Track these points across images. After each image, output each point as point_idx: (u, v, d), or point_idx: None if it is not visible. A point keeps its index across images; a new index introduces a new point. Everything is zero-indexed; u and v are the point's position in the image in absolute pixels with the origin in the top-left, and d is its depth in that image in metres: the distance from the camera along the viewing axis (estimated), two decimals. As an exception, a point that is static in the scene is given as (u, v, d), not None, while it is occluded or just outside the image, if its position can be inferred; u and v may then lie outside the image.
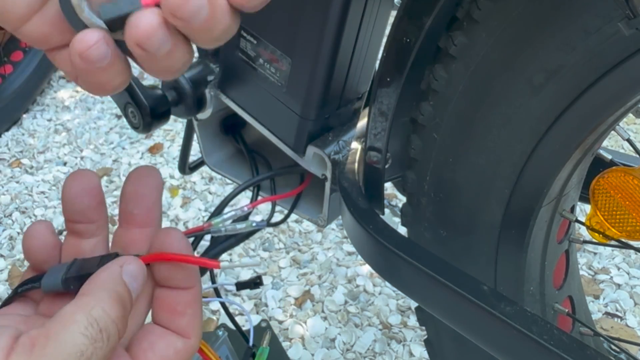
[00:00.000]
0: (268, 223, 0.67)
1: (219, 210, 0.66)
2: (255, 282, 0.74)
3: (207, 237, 0.65)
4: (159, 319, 0.35)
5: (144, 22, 0.26)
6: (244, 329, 0.76)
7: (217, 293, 0.77)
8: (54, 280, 0.34)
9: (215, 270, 1.30)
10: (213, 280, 0.76)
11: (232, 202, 0.71)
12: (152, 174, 0.37)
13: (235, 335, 0.78)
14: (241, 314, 1.18)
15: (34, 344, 0.27)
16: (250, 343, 0.72)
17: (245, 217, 0.67)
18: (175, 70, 0.29)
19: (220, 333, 0.75)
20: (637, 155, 0.59)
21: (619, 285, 1.27)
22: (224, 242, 0.70)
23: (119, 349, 0.33)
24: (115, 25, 0.28)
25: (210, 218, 0.64)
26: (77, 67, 0.28)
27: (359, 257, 1.12)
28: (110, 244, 0.38)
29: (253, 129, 0.69)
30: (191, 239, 0.66)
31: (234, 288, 1.25)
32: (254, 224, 0.61)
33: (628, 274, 1.30)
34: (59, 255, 0.37)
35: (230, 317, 0.76)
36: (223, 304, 0.77)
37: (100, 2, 0.28)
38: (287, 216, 0.71)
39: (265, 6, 0.28)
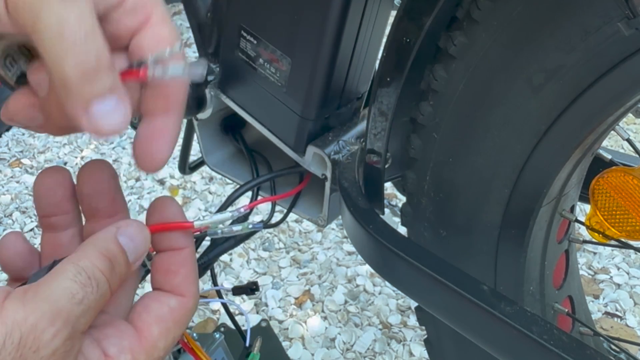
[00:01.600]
0: (265, 224, 0.67)
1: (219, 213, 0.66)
2: (251, 288, 0.75)
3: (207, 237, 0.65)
4: (154, 282, 0.36)
5: (11, 103, 0.33)
6: (243, 328, 0.76)
7: (219, 294, 0.77)
8: None
9: (215, 270, 1.30)
10: (215, 283, 0.76)
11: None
12: (103, 168, 0.37)
13: (235, 336, 0.78)
14: (241, 314, 1.18)
15: (26, 292, 0.29)
16: (247, 343, 0.72)
17: (243, 218, 0.67)
18: (56, 134, 0.35)
19: (217, 335, 0.75)
20: (637, 155, 0.59)
21: (618, 285, 1.27)
22: (223, 244, 0.70)
23: (118, 320, 0.33)
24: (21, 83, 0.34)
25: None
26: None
27: (359, 257, 1.12)
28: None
29: (253, 129, 0.69)
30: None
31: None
32: (250, 226, 0.61)
33: (628, 273, 1.30)
34: (37, 261, 0.37)
35: (231, 317, 0.76)
36: (225, 306, 0.77)
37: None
38: (285, 216, 0.71)
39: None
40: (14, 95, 0.33)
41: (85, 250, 0.31)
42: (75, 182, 0.37)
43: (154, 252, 0.37)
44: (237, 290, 0.76)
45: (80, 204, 0.37)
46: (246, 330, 0.73)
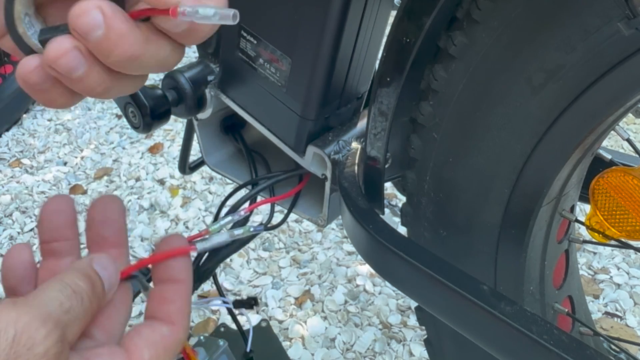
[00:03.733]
0: (266, 227, 0.68)
1: (217, 218, 0.66)
2: (250, 303, 0.76)
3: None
4: (148, 311, 0.37)
5: (54, 46, 0.30)
6: (243, 328, 0.76)
7: (220, 292, 0.77)
8: None
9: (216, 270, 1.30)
10: (217, 285, 0.76)
11: (229, 203, 0.71)
12: (116, 200, 0.39)
13: (236, 336, 0.78)
14: (241, 314, 1.18)
15: (16, 300, 0.30)
16: (249, 347, 0.72)
17: (244, 221, 0.67)
18: (96, 93, 0.32)
19: (221, 343, 0.76)
20: (637, 155, 0.59)
21: (618, 285, 1.27)
22: (224, 249, 0.70)
23: (110, 344, 0.34)
24: None
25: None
26: (24, 86, 0.32)
27: (359, 256, 1.12)
28: None
29: (253, 129, 0.69)
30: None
31: (233, 288, 1.25)
32: (252, 229, 0.61)
33: (628, 273, 1.30)
34: (34, 279, 0.38)
35: (234, 318, 0.77)
36: (229, 310, 0.77)
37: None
38: (285, 217, 0.71)
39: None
40: (56, 38, 0.30)
41: (69, 272, 0.33)
42: (77, 211, 0.39)
43: (150, 283, 0.38)
44: (238, 303, 0.77)
45: (88, 231, 0.39)
46: (248, 331, 0.73)
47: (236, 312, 0.87)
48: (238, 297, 1.23)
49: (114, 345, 0.34)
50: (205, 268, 0.70)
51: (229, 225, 0.64)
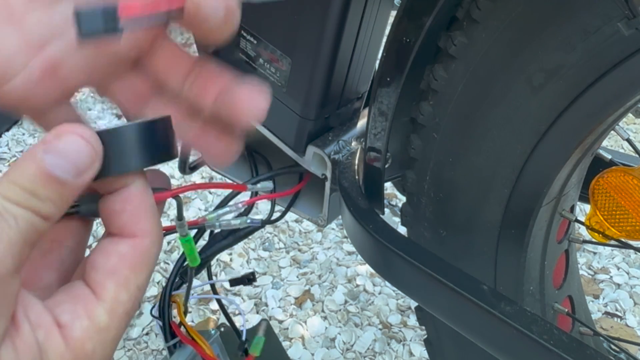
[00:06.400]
0: (263, 222, 0.67)
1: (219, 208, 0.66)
2: (248, 278, 0.74)
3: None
4: (105, 227, 0.31)
5: None
6: (242, 328, 0.76)
7: (214, 290, 0.77)
8: None
9: (214, 268, 1.30)
10: (210, 277, 0.76)
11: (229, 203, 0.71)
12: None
13: (232, 334, 0.78)
14: (240, 314, 1.18)
15: None
16: (244, 338, 0.72)
17: (243, 214, 0.67)
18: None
19: (213, 332, 0.76)
20: (637, 155, 0.59)
21: (618, 285, 1.27)
22: (221, 241, 0.70)
23: (74, 283, 0.30)
24: None
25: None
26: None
27: (359, 256, 1.12)
28: None
29: (253, 129, 0.69)
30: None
31: (233, 287, 1.25)
32: (248, 221, 0.61)
33: (628, 273, 1.30)
34: None
35: (225, 313, 0.77)
36: (219, 301, 0.77)
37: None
38: (283, 214, 0.71)
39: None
40: None
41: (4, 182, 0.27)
42: None
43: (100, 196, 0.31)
44: (234, 282, 0.76)
45: None
46: (241, 328, 0.73)
47: (234, 309, 0.87)
48: (238, 295, 1.24)
49: (76, 285, 0.29)
50: (202, 257, 0.70)
51: (227, 216, 0.64)
